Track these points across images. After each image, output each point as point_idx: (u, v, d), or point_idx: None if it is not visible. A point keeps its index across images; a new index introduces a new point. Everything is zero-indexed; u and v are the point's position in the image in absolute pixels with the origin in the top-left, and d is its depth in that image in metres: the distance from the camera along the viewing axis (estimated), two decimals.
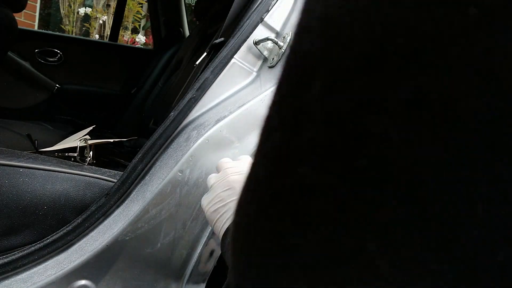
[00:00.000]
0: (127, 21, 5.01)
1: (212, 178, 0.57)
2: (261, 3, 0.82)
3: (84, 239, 0.68)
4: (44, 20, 5.14)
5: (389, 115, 0.13)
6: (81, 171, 0.76)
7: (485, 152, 0.13)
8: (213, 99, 0.76)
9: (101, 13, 4.83)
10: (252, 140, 0.74)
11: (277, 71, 0.79)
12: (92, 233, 0.69)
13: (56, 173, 0.73)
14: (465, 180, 0.13)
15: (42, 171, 0.72)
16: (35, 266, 0.66)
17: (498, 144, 0.13)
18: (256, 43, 0.79)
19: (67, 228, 0.68)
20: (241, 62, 0.79)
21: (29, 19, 4.17)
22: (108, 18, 4.79)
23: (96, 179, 0.75)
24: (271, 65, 0.80)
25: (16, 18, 1.53)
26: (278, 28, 0.82)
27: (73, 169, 0.75)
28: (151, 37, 2.61)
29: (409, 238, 0.14)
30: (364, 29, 0.14)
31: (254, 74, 0.80)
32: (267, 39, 0.79)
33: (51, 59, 2.03)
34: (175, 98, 1.49)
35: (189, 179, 0.70)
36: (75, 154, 1.10)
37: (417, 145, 0.13)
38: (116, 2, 2.43)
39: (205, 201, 0.55)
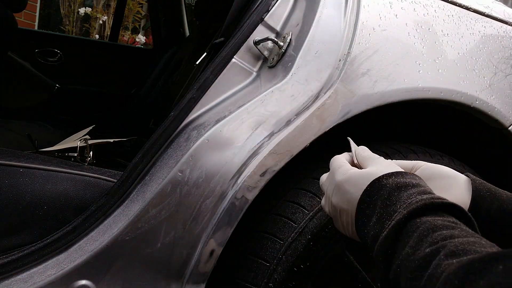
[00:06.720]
0: (127, 21, 5.01)
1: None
2: (261, 3, 0.82)
3: (84, 239, 0.68)
4: (44, 20, 5.14)
5: None
6: (81, 171, 0.76)
7: None
8: (213, 99, 0.76)
9: (101, 13, 4.83)
10: (251, 140, 0.73)
11: (277, 71, 0.79)
12: (92, 233, 0.69)
13: (56, 173, 0.73)
14: None
15: (42, 171, 0.72)
16: (35, 266, 0.66)
17: None
18: (256, 43, 0.79)
19: (67, 228, 0.68)
20: (241, 62, 0.79)
21: (29, 19, 4.16)
22: (108, 18, 4.79)
23: (96, 179, 0.75)
24: (271, 65, 0.80)
25: (16, 18, 1.53)
26: (278, 28, 0.82)
27: (73, 169, 0.75)
28: (151, 37, 2.61)
29: None
30: None
31: (254, 74, 0.80)
32: (267, 39, 0.79)
33: (51, 59, 2.03)
34: (175, 98, 1.49)
35: (189, 179, 0.70)
36: (75, 154, 1.10)
37: None
38: (116, 2, 2.43)
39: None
